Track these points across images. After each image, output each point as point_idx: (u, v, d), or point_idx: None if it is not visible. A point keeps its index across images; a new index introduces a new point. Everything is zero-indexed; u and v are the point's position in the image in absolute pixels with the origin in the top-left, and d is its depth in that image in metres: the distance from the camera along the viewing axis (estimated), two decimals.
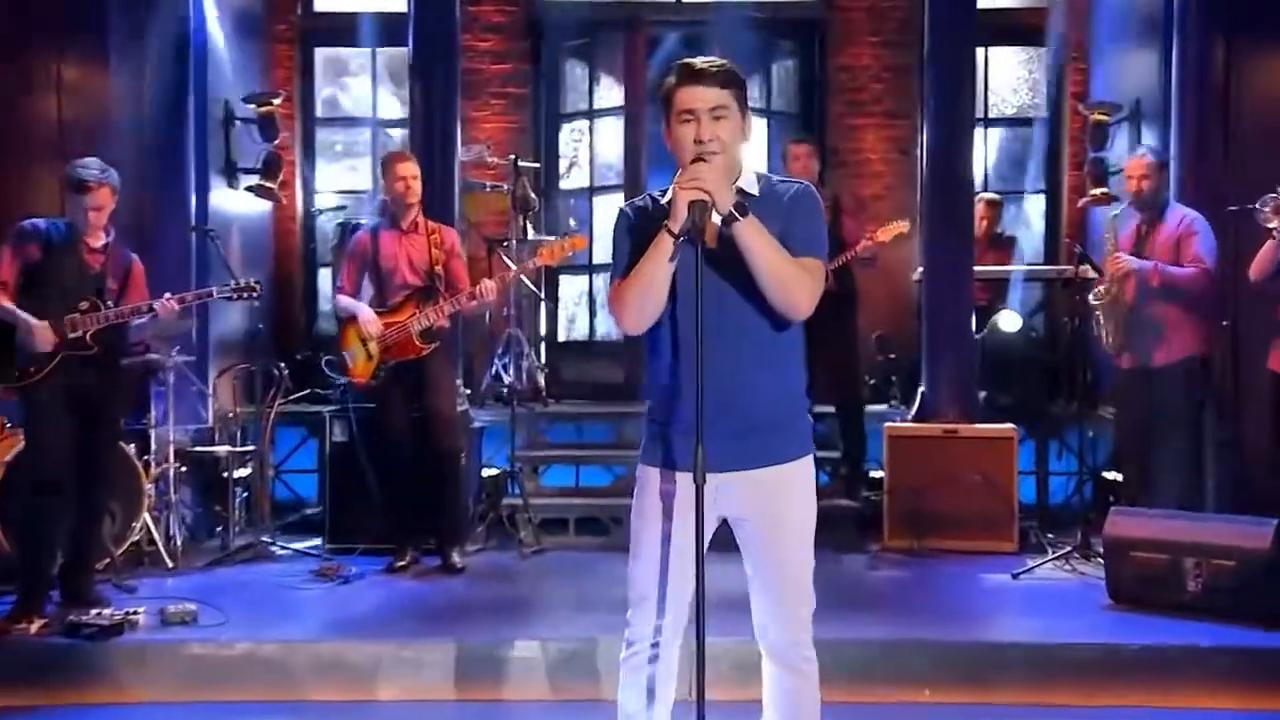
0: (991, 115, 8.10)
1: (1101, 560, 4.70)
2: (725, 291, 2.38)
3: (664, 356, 2.46)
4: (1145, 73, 6.69)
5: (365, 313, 5.16)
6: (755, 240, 2.31)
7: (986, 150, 8.04)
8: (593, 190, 7.70)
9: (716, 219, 2.32)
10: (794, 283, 2.35)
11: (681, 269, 2.38)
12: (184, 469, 5.52)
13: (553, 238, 5.55)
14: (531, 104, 7.92)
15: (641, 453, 2.54)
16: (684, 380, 2.40)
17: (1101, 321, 5.18)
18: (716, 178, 2.30)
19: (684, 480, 2.40)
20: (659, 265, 2.35)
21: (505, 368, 6.77)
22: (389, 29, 7.42)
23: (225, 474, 5.63)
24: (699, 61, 2.41)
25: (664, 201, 2.47)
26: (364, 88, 8.12)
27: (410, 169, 5.18)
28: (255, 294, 4.72)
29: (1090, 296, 5.23)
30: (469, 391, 6.47)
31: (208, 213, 6.31)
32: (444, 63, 6.22)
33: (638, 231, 2.46)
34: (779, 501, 2.43)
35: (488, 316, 6.96)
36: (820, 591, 2.50)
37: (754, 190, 2.44)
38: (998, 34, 7.75)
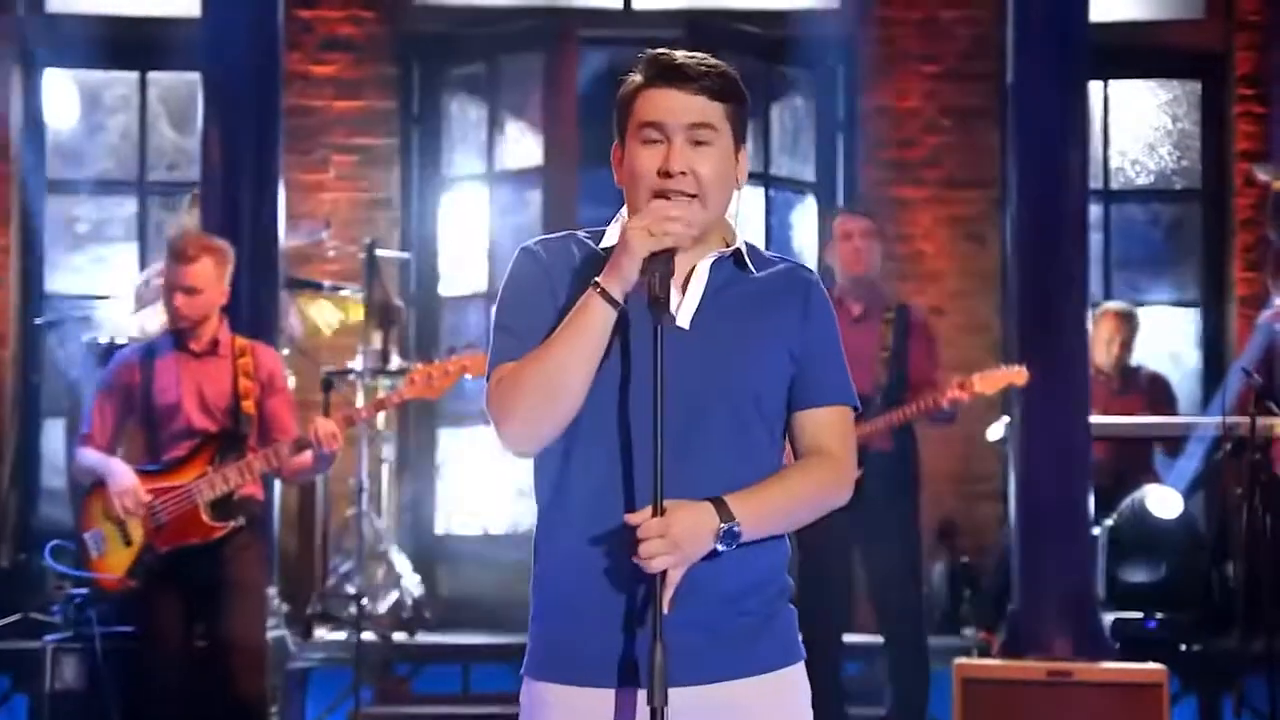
0: (1115, 185, 8.51)
1: None
2: (695, 396, 2.45)
3: (576, 499, 2.50)
4: None
5: (119, 472, 5.31)
6: (770, 524, 2.49)
7: (1109, 238, 8.44)
8: (492, 296, 7.95)
9: (711, 545, 2.40)
10: (828, 495, 2.57)
11: (613, 358, 2.45)
12: None
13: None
14: (399, 162, 8.22)
15: (528, 658, 2.57)
16: (615, 531, 2.43)
17: None
18: (683, 231, 2.42)
19: (604, 701, 2.47)
20: (582, 343, 2.42)
21: (349, 575, 6.87)
22: (169, 42, 7.69)
23: None
24: (681, 54, 2.52)
25: (601, 246, 2.56)
26: (127, 132, 8.41)
27: (191, 276, 5.25)
28: None
29: None
30: (288, 609, 6.53)
31: None
32: (259, 96, 6.50)
33: (554, 286, 2.52)
34: None
35: (322, 489, 7.14)
36: None
37: (750, 268, 2.57)
38: (1123, 60, 8.17)
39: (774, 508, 2.50)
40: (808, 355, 2.57)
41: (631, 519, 2.39)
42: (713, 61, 2.52)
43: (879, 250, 6.20)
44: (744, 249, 2.58)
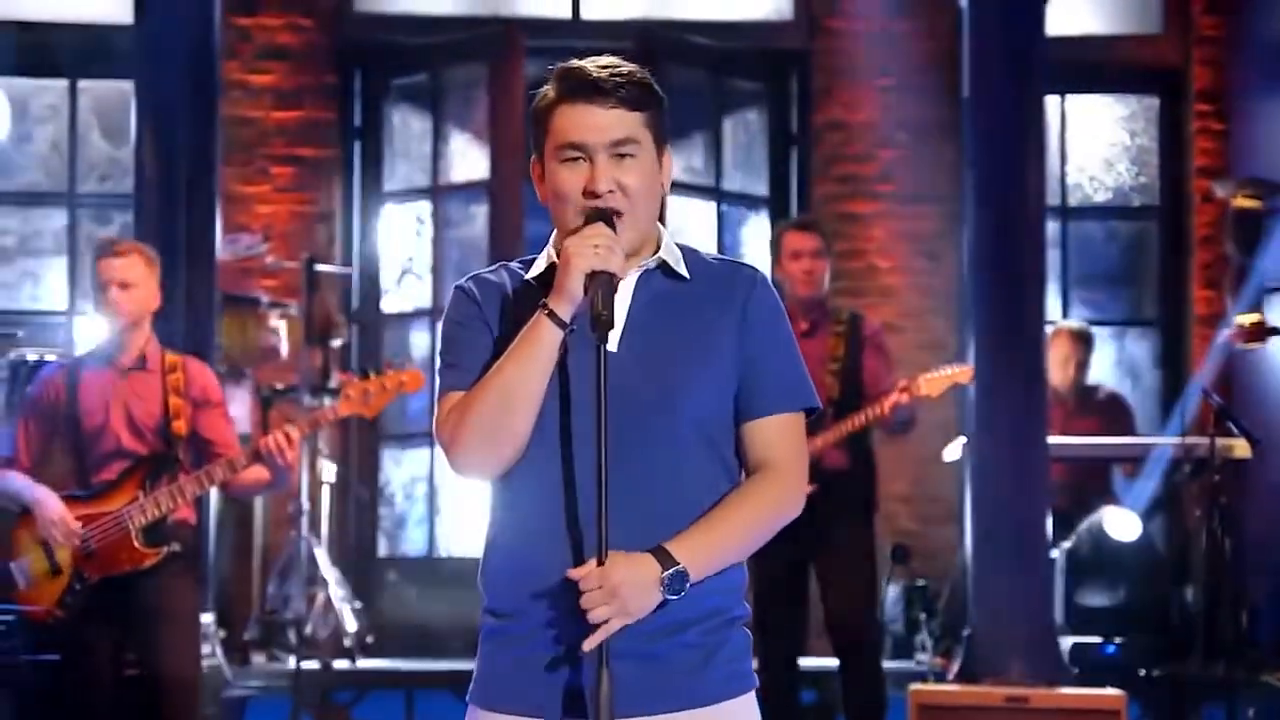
0: (1073, 202, 8.58)
1: None
2: (628, 421, 2.45)
3: (518, 527, 2.51)
4: None
5: (47, 499, 5.21)
6: (720, 560, 2.49)
7: (1066, 255, 8.50)
8: (436, 313, 7.96)
9: (660, 596, 2.41)
10: (779, 515, 2.55)
11: (558, 381, 2.46)
12: None
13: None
14: (340, 175, 8.21)
15: (473, 685, 2.57)
16: (556, 563, 2.44)
17: None
18: (620, 260, 2.42)
19: None
20: (531, 364, 2.44)
21: (288, 600, 6.86)
22: (100, 49, 7.67)
23: None
24: (593, 66, 2.50)
25: (532, 275, 2.58)
26: (57, 143, 8.35)
27: (123, 269, 5.23)
28: None
29: None
30: (224, 634, 6.50)
31: None
32: (195, 106, 6.45)
33: (491, 319, 2.55)
34: None
35: (261, 512, 7.09)
36: None
37: (681, 269, 2.57)
38: (1082, 76, 8.27)
39: (720, 544, 2.49)
40: (751, 361, 2.55)
41: (573, 574, 2.40)
42: (626, 69, 2.51)
43: (828, 267, 6.13)
44: (675, 255, 2.58)
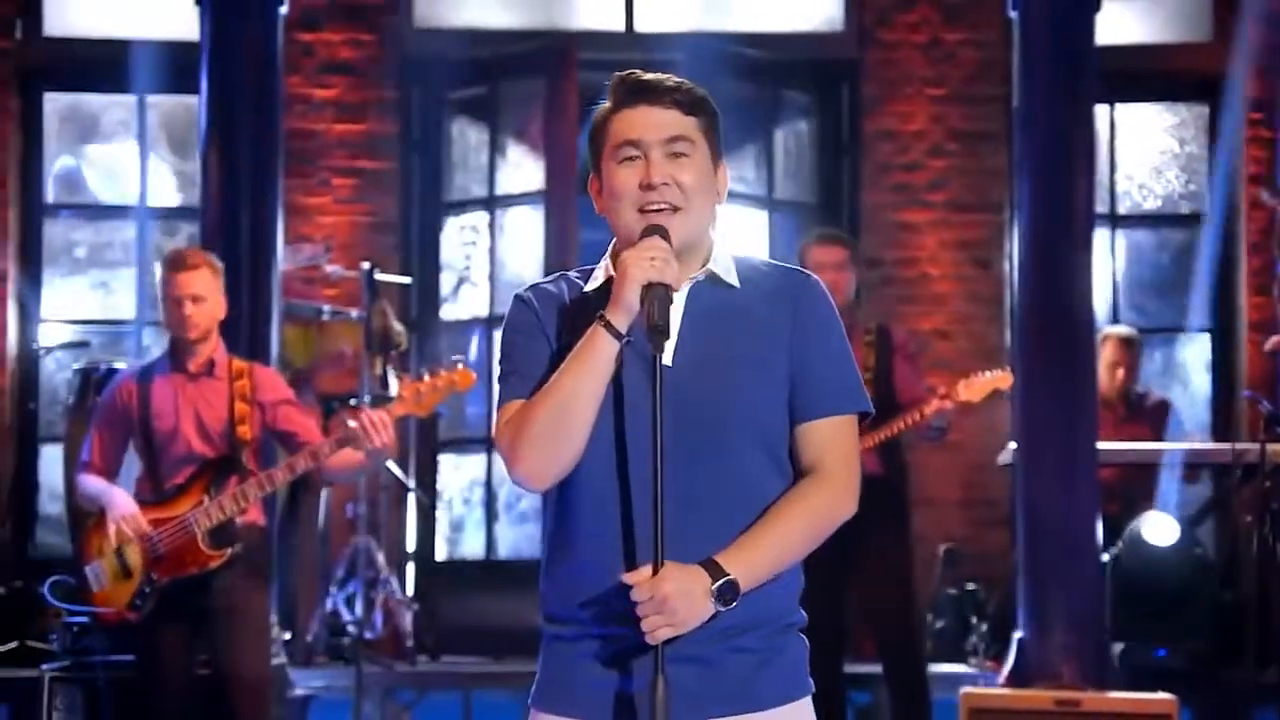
0: (1122, 210, 8.56)
1: None
2: (685, 432, 2.47)
3: (576, 535, 2.53)
4: None
5: (119, 502, 5.29)
6: (770, 569, 2.50)
7: (1115, 263, 8.49)
8: (493, 321, 8.04)
9: (711, 607, 2.43)
10: (829, 519, 2.56)
11: (615, 392, 2.49)
12: None
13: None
14: (399, 186, 8.27)
15: (536, 689, 2.61)
16: (613, 571, 2.46)
17: None
18: (675, 272, 2.45)
19: None
20: (588, 375, 2.46)
21: (349, 602, 6.91)
22: (168, 66, 7.79)
23: None
24: (646, 74, 2.58)
25: (590, 288, 2.61)
26: (126, 157, 8.46)
27: (193, 282, 5.31)
28: None
29: None
30: (289, 637, 6.59)
31: None
32: (259, 120, 6.54)
33: (547, 330, 2.58)
34: None
35: (322, 516, 7.16)
36: None
37: (731, 279, 2.61)
38: (1131, 84, 8.27)
39: (771, 551, 2.50)
40: (804, 365, 2.57)
41: (628, 578, 2.43)
42: (680, 79, 2.59)
43: (854, 277, 6.14)
44: (723, 265, 2.60)
